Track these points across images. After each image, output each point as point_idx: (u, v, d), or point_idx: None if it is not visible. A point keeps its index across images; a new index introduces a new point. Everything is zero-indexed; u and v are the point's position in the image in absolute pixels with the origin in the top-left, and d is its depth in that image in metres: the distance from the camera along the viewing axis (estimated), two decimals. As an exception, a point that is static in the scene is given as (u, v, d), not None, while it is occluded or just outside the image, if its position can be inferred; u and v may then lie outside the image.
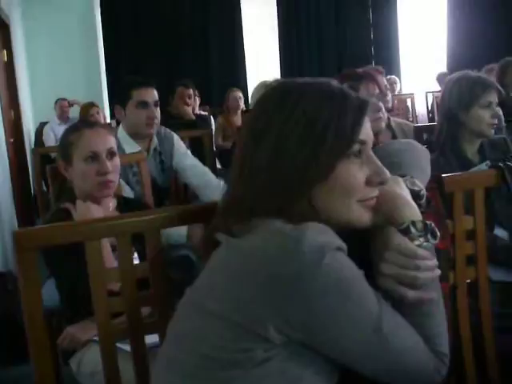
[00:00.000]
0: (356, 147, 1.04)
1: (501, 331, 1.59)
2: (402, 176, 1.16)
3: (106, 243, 1.80)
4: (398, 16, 8.46)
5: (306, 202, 1.03)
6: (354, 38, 8.55)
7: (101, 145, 1.99)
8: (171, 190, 3.19)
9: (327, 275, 0.93)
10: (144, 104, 2.87)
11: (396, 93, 7.28)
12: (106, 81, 8.22)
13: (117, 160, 2.05)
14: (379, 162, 1.07)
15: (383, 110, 2.24)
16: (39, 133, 7.17)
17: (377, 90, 2.24)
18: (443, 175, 1.34)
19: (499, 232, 2.17)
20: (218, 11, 8.28)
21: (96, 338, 1.60)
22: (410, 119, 7.01)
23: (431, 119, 7.18)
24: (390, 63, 8.32)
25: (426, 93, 7.53)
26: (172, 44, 8.21)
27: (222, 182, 2.97)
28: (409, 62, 8.55)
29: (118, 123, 3.01)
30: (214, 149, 5.80)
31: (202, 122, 5.38)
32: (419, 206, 1.12)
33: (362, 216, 1.06)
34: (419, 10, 8.40)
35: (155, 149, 3.02)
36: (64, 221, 1.94)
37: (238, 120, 6.32)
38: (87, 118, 5.20)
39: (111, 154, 2.02)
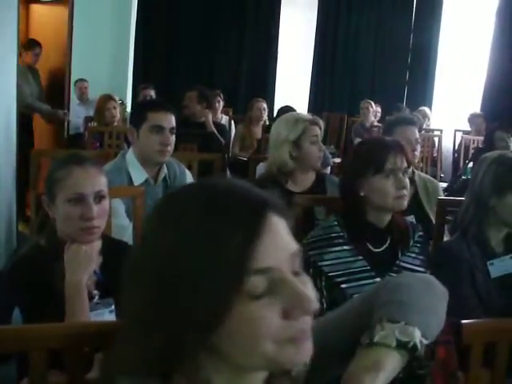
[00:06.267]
0: (256, 281, 0.75)
1: None
2: (394, 322, 0.92)
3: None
4: (438, 49, 8.26)
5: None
6: (391, 62, 8.42)
7: (89, 186, 1.76)
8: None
9: None
10: (159, 128, 2.65)
11: (425, 126, 7.06)
12: (133, 71, 8.07)
13: (105, 204, 1.82)
14: (299, 287, 0.77)
15: (408, 186, 2.04)
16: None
17: (405, 164, 2.03)
18: (463, 321, 1.14)
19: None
20: (256, 17, 8.12)
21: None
22: (435, 155, 6.79)
23: (455, 160, 6.93)
24: (423, 93, 8.19)
25: (455, 131, 7.29)
26: (205, 44, 8.06)
27: None
28: (442, 95, 8.29)
29: (128, 145, 2.76)
30: (229, 156, 5.62)
31: (220, 132, 5.16)
32: (416, 359, 0.91)
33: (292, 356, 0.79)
34: (460, 49, 8.11)
35: (164, 179, 2.79)
36: (37, 260, 1.78)
37: (258, 131, 6.12)
38: (103, 112, 5.02)
39: (100, 197, 1.79)
